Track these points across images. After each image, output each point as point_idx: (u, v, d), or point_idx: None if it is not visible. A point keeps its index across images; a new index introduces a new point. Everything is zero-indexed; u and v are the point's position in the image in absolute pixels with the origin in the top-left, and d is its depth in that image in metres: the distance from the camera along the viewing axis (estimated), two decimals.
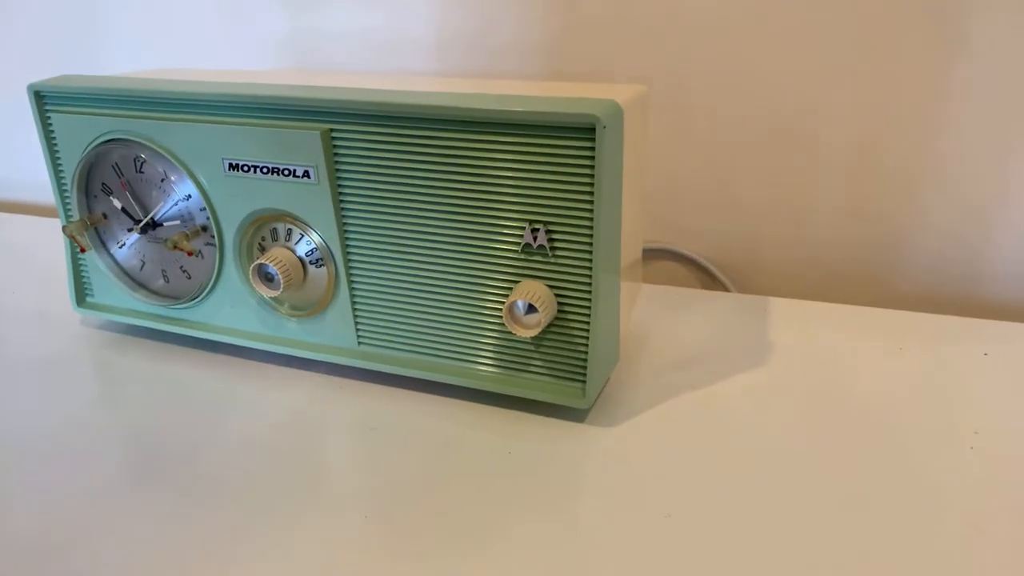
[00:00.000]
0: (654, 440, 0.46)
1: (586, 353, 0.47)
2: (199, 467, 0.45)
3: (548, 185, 0.44)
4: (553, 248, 0.45)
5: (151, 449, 0.47)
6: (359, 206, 0.49)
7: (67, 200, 0.58)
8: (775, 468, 0.44)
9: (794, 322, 0.61)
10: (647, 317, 0.62)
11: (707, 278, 0.74)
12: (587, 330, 0.46)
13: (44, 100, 0.56)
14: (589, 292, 0.45)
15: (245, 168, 0.50)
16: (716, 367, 0.54)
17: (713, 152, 0.69)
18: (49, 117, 0.56)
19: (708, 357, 0.56)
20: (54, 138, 0.56)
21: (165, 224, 0.55)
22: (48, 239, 0.82)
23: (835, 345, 0.57)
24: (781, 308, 0.64)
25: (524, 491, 0.42)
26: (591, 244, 0.44)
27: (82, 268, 0.61)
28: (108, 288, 0.60)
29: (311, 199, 0.49)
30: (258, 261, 0.50)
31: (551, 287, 0.46)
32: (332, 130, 0.48)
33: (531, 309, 0.45)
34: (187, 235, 0.53)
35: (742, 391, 0.51)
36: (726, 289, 0.72)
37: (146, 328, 0.61)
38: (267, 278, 0.51)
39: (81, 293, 0.61)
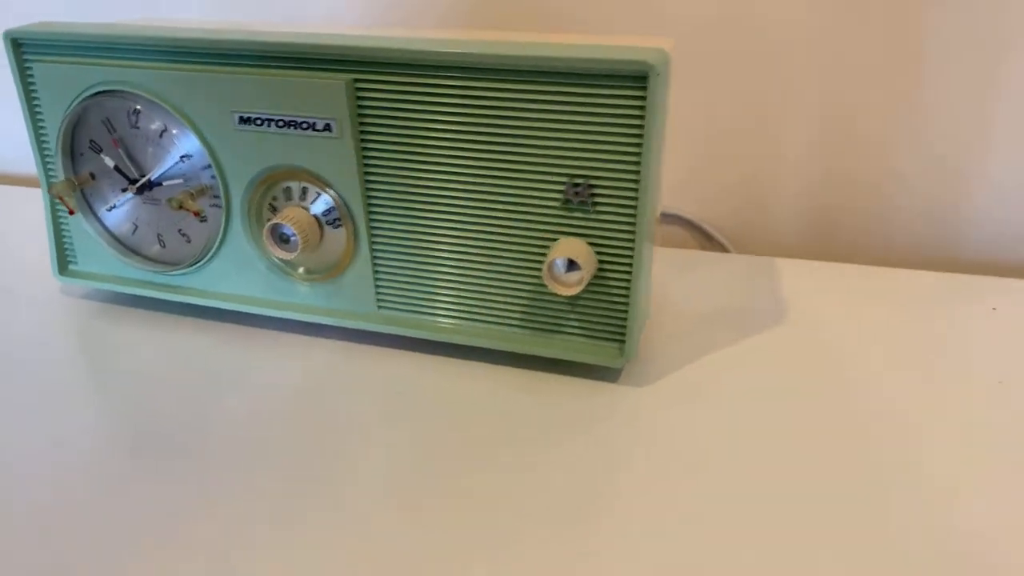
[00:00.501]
0: (689, 397, 0.46)
1: (625, 311, 0.46)
2: (215, 443, 0.42)
3: (592, 137, 0.42)
4: (595, 203, 0.44)
5: (162, 423, 0.44)
6: (384, 161, 0.46)
7: (48, 160, 0.54)
8: (812, 423, 0.44)
9: (801, 281, 0.61)
10: (657, 277, 0.61)
11: (704, 239, 0.74)
12: (627, 288, 0.45)
13: (23, 48, 0.51)
14: (631, 249, 0.44)
15: (258, 122, 0.47)
16: (735, 326, 0.54)
17: (699, 118, 0.69)
18: (29, 67, 0.51)
19: (725, 316, 0.56)
20: (35, 91, 0.52)
21: (164, 184, 0.51)
22: (11, 207, 0.76)
23: (845, 302, 0.58)
24: (785, 268, 0.64)
25: (567, 455, 0.41)
26: (635, 199, 0.43)
27: (64, 233, 0.56)
28: (94, 254, 0.56)
29: (332, 155, 0.47)
30: (273, 221, 0.47)
31: (591, 244, 0.45)
32: (356, 80, 0.45)
33: (572, 266, 0.43)
34: (191, 194, 0.49)
35: (765, 349, 0.51)
36: (725, 250, 0.72)
37: (135, 297, 0.57)
38: (282, 239, 0.48)
39: (63, 261, 0.57)
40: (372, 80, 0.45)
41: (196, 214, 0.50)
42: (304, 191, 0.49)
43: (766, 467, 0.40)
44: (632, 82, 0.41)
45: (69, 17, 0.79)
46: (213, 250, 0.52)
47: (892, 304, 0.57)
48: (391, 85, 0.45)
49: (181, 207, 0.48)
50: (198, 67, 0.47)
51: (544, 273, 0.44)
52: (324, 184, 0.48)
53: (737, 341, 0.52)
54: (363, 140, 0.46)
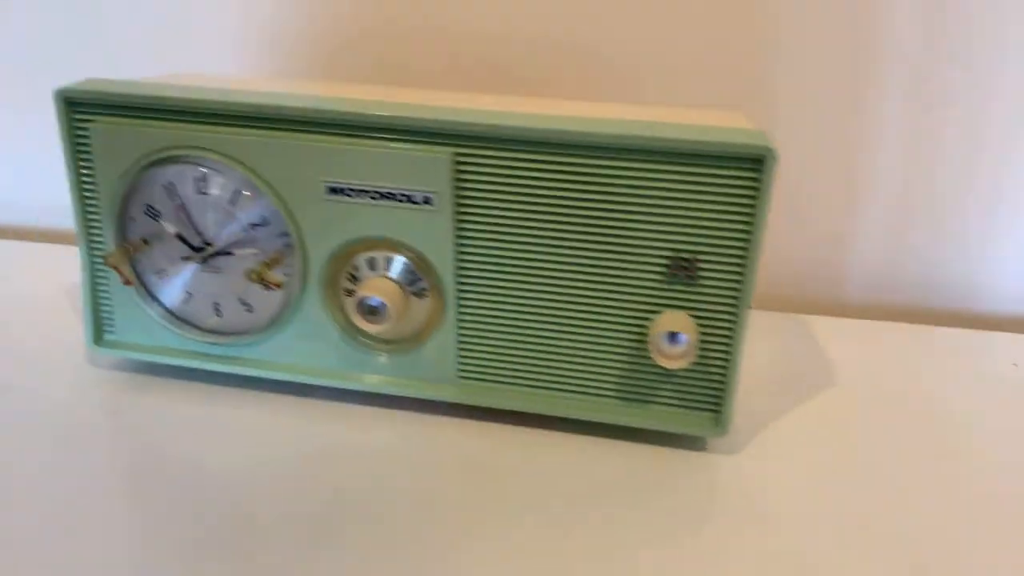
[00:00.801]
0: (780, 463, 0.47)
1: (723, 381, 0.47)
2: (299, 528, 0.40)
3: (701, 214, 0.44)
4: (699, 276, 0.45)
5: (245, 506, 0.41)
6: (480, 232, 0.46)
7: (93, 224, 0.50)
8: (909, 478, 0.46)
9: (837, 339, 0.64)
10: None
11: None
12: (726, 359, 0.46)
13: (76, 108, 0.48)
14: (733, 321, 0.45)
15: (351, 192, 0.46)
16: (794, 386, 0.56)
17: None
18: (83, 128, 0.48)
19: (780, 376, 0.58)
20: (86, 152, 0.49)
21: (235, 252, 0.48)
22: (26, 265, 0.70)
23: (891, 359, 0.61)
24: (808, 324, 0.67)
25: (660, 526, 0.42)
26: (742, 273, 0.44)
27: (103, 300, 0.52)
28: (137, 323, 0.52)
29: (427, 226, 0.46)
30: (363, 294, 0.46)
31: (693, 315, 0.46)
32: (458, 154, 0.44)
33: (681, 340, 0.44)
34: (268, 264, 0.47)
35: (838, 408, 0.54)
36: None
37: (171, 367, 0.53)
38: (370, 311, 0.47)
39: (99, 329, 0.53)
40: (475, 154, 0.44)
41: (278, 285, 0.47)
42: (388, 261, 0.47)
43: (868, 536, 0.42)
44: (749, 164, 0.42)
45: (93, 69, 0.74)
46: (283, 320, 0.49)
47: (928, 355, 0.61)
48: (493, 159, 0.44)
49: (260, 279, 0.46)
50: (285, 134, 0.46)
51: (651, 346, 0.45)
52: (414, 254, 0.47)
53: (804, 401, 0.54)
54: (460, 211, 0.46)
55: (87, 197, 0.50)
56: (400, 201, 0.45)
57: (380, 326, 0.47)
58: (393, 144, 0.45)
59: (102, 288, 0.52)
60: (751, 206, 0.43)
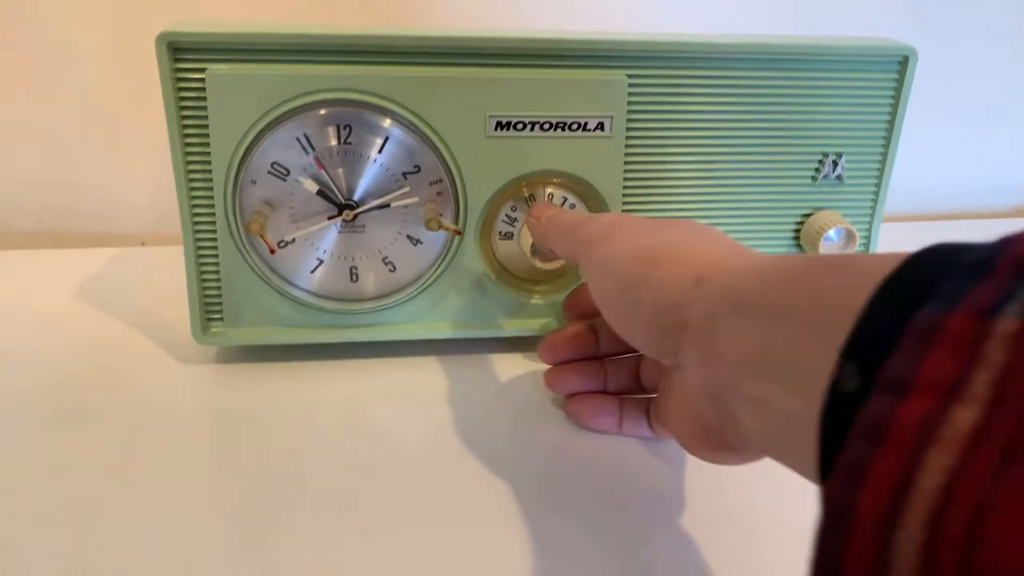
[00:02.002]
0: None
1: None
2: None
3: (846, 116, 0.47)
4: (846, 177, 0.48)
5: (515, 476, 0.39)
6: (646, 157, 0.46)
7: (197, 192, 0.43)
8: None
9: None
10: None
11: None
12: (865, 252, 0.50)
13: (184, 55, 0.41)
14: (871, 218, 0.49)
15: (519, 126, 0.43)
16: None
17: None
18: (194, 78, 0.41)
19: None
20: (194, 107, 0.41)
21: (389, 206, 0.44)
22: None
23: None
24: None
25: None
26: (880, 172, 0.48)
27: (208, 286, 0.45)
28: (250, 304, 0.46)
29: (598, 154, 0.45)
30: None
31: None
32: (631, 75, 0.44)
33: (849, 236, 0.48)
34: (440, 213, 0.44)
35: None
36: None
37: (275, 350, 0.47)
38: (546, 253, 0.45)
39: (205, 320, 0.46)
40: (647, 75, 0.44)
41: (459, 233, 0.44)
42: (549, 198, 0.46)
43: None
44: (896, 64, 0.46)
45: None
46: (435, 274, 0.46)
47: None
48: (663, 79, 0.45)
49: (440, 227, 0.43)
50: (446, 68, 0.42)
51: (820, 246, 0.47)
52: (580, 185, 0.46)
53: None
54: (629, 136, 0.45)
55: (191, 162, 0.43)
56: (572, 130, 0.44)
57: (557, 263, 0.45)
58: (567, 71, 0.43)
59: (210, 272, 0.45)
60: (893, 105, 0.47)
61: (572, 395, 0.41)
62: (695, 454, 0.31)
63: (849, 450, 0.17)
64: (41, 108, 0.64)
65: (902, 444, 0.16)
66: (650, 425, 0.40)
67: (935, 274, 0.18)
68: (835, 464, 0.17)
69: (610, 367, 0.41)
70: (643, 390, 0.41)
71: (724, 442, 0.29)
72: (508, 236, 0.46)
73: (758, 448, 0.26)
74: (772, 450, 0.25)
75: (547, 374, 0.41)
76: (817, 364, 0.20)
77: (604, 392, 0.41)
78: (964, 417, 0.15)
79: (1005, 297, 0.16)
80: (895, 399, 0.16)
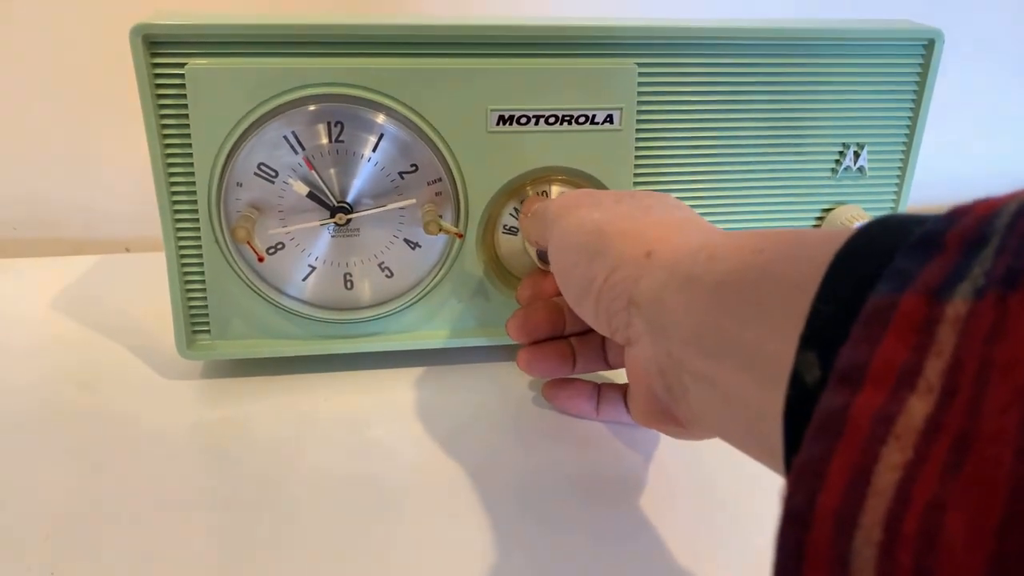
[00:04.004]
0: None
1: None
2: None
3: (868, 104, 0.44)
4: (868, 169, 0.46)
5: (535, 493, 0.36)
6: (657, 150, 0.43)
7: (178, 198, 0.40)
8: None
9: None
10: None
11: None
12: None
13: (160, 48, 0.38)
14: (894, 211, 0.47)
15: (523, 120, 0.41)
16: None
17: None
18: (172, 73, 0.38)
19: None
20: (174, 105, 0.38)
21: (386, 207, 0.41)
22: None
23: None
24: None
25: None
26: (903, 163, 0.46)
27: (193, 297, 0.42)
28: (238, 315, 0.43)
29: (607, 148, 0.42)
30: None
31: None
32: (641, 63, 0.41)
33: None
34: (439, 214, 0.41)
35: None
36: None
37: (267, 363, 0.44)
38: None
39: (190, 333, 0.43)
40: (656, 63, 0.42)
41: (459, 235, 0.41)
42: (544, 195, 0.43)
43: None
44: (921, 48, 0.43)
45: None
46: (435, 280, 0.43)
47: None
48: (673, 67, 0.42)
49: (441, 229, 0.40)
50: (444, 60, 0.40)
51: None
52: (588, 182, 0.43)
53: None
54: (640, 129, 0.43)
55: (172, 164, 0.40)
56: (579, 124, 0.41)
57: None
58: (573, 60, 0.40)
59: (194, 283, 0.42)
60: (917, 91, 0.44)
61: (551, 380, 0.41)
62: (646, 425, 0.30)
63: (806, 449, 0.16)
64: (13, 107, 0.61)
65: (858, 440, 0.15)
66: (627, 409, 0.38)
67: (884, 250, 0.18)
68: (792, 464, 0.17)
69: (577, 346, 0.40)
70: (610, 367, 0.40)
71: (676, 418, 0.28)
72: (513, 236, 0.44)
73: (709, 427, 0.26)
74: (726, 433, 0.24)
75: (520, 356, 0.40)
76: (766, 345, 0.20)
77: (574, 371, 0.40)
78: (917, 409, 0.15)
79: (956, 275, 0.16)
80: (851, 391, 0.16)
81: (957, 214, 0.17)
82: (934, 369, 0.15)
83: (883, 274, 0.17)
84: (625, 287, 0.29)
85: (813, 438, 0.16)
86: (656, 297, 0.27)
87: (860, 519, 0.14)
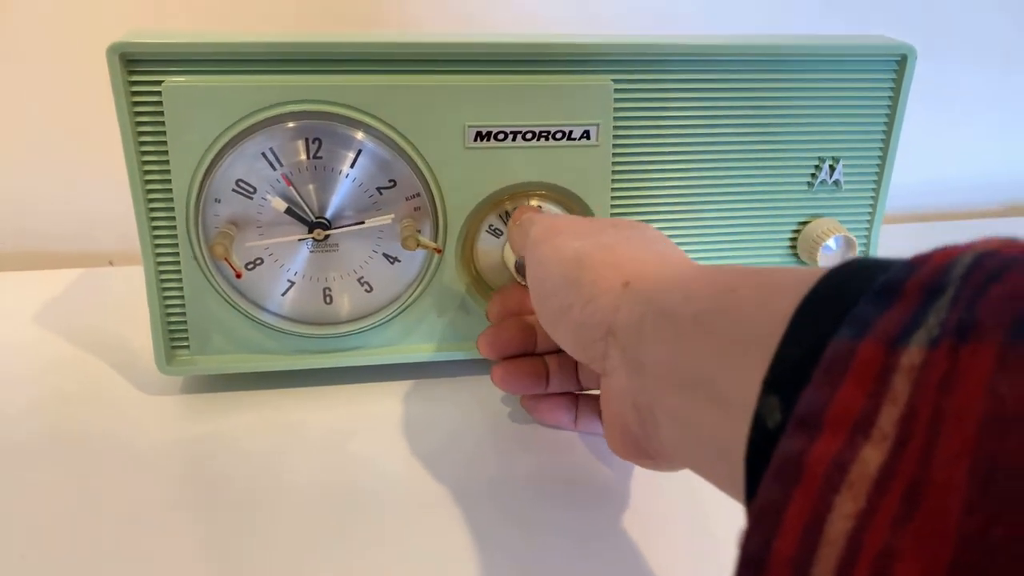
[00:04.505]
0: None
1: None
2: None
3: (842, 119, 0.45)
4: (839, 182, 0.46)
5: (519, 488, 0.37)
6: (634, 165, 0.44)
7: (157, 215, 0.40)
8: None
9: None
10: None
11: None
12: None
13: (138, 66, 0.38)
14: (869, 224, 0.47)
15: (500, 136, 0.41)
16: None
17: None
18: (148, 91, 0.38)
19: None
20: (151, 122, 0.39)
21: (365, 222, 0.41)
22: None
23: None
24: None
25: None
26: (878, 177, 0.46)
27: (172, 312, 0.42)
28: (217, 330, 0.43)
29: (584, 164, 0.42)
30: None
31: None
32: (617, 80, 0.42)
33: (848, 244, 0.45)
34: (418, 229, 0.41)
35: None
36: None
37: (248, 378, 0.44)
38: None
39: (170, 349, 0.43)
40: (632, 79, 0.42)
41: (438, 251, 0.41)
42: (538, 209, 0.43)
43: None
44: (893, 63, 0.44)
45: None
46: (415, 294, 0.43)
47: None
48: (650, 83, 0.42)
49: (419, 245, 0.40)
50: (421, 76, 0.40)
51: (819, 255, 0.45)
52: (565, 197, 0.43)
53: None
54: (616, 144, 0.43)
55: (150, 181, 0.40)
56: (556, 140, 0.42)
57: None
58: (549, 76, 0.41)
59: (173, 299, 0.42)
60: (891, 106, 0.45)
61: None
62: (622, 457, 0.31)
63: (763, 492, 0.16)
64: None
65: (813, 488, 0.15)
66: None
67: (849, 295, 0.18)
68: (749, 508, 0.17)
69: (551, 364, 0.40)
70: (582, 388, 0.41)
71: (646, 450, 0.28)
72: (491, 252, 0.44)
73: (680, 461, 0.26)
74: (696, 467, 0.25)
75: (494, 372, 0.40)
76: (734, 384, 0.21)
77: (547, 389, 0.40)
78: (871, 457, 0.15)
79: (912, 323, 0.16)
80: (808, 437, 0.16)
81: (917, 262, 0.17)
82: (889, 417, 0.15)
83: (844, 320, 0.17)
84: (603, 317, 0.29)
85: (771, 482, 0.16)
86: (634, 330, 0.27)
87: (813, 569, 0.15)
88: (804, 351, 0.18)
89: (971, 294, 0.16)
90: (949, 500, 0.13)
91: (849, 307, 0.17)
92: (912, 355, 0.16)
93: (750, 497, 0.19)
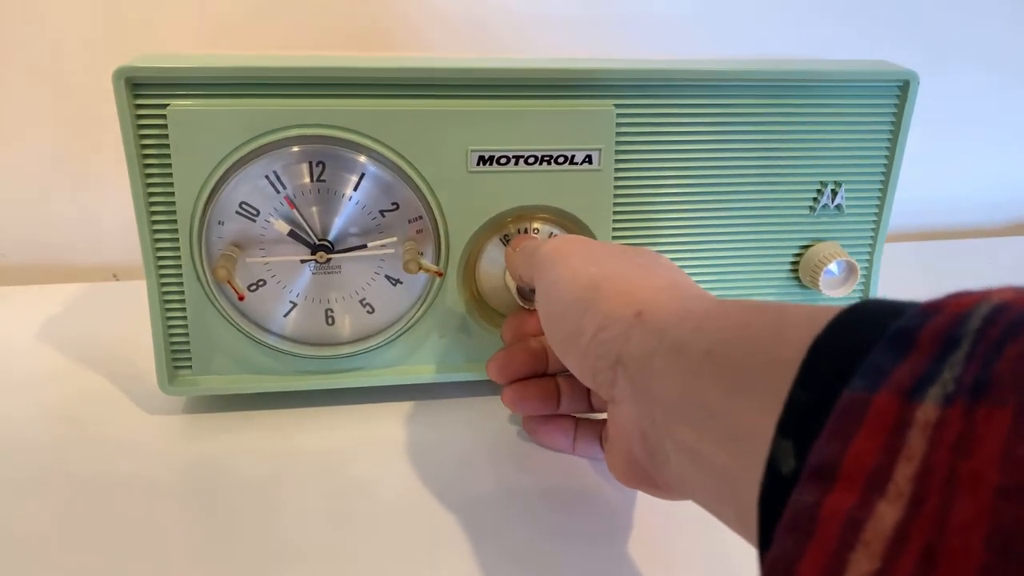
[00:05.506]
0: None
1: None
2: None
3: (845, 144, 0.45)
4: (842, 206, 0.46)
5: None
6: (636, 190, 0.44)
7: (160, 235, 0.41)
8: None
9: None
10: None
11: None
12: (864, 283, 0.48)
13: (143, 90, 0.38)
14: (871, 248, 0.47)
15: (503, 160, 0.41)
16: None
17: None
18: (153, 115, 0.38)
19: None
20: (155, 145, 0.39)
21: (367, 245, 0.42)
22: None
23: None
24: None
25: None
26: (880, 201, 0.46)
27: (175, 333, 0.43)
28: (220, 351, 0.43)
29: (586, 188, 0.43)
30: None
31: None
32: (619, 105, 0.42)
33: (850, 270, 0.45)
34: (420, 252, 0.41)
35: None
36: None
37: (246, 399, 0.45)
38: (529, 295, 0.42)
39: (172, 369, 0.43)
40: (634, 104, 0.42)
41: (439, 274, 0.41)
42: (535, 231, 0.44)
43: None
44: (896, 89, 0.44)
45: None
46: (417, 316, 0.43)
47: None
48: (652, 108, 0.42)
49: (421, 268, 0.40)
50: (425, 101, 0.40)
51: (819, 279, 0.45)
52: (568, 221, 0.43)
53: None
54: (618, 169, 0.43)
55: (154, 203, 0.40)
56: (558, 164, 0.42)
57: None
58: (552, 102, 0.41)
59: (176, 318, 0.42)
60: (893, 131, 0.45)
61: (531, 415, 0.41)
62: (623, 483, 0.31)
63: (778, 544, 0.16)
64: (2, 135, 0.61)
65: (828, 544, 0.15)
66: (602, 447, 0.39)
67: (862, 340, 0.18)
68: (764, 558, 0.17)
69: (563, 385, 0.40)
70: (594, 410, 0.41)
71: (653, 480, 0.28)
72: (493, 275, 0.44)
73: (689, 495, 0.26)
74: (704, 503, 0.25)
75: (505, 393, 0.40)
76: (746, 423, 0.21)
77: (558, 410, 0.40)
78: (887, 515, 0.15)
79: (927, 377, 0.16)
80: (822, 489, 0.16)
81: (931, 310, 0.17)
82: (904, 474, 0.15)
83: (858, 368, 0.17)
84: (614, 345, 0.29)
85: (785, 534, 0.16)
86: (645, 361, 0.27)
87: None
88: (817, 395, 0.18)
89: (986, 351, 0.15)
90: (965, 567, 0.13)
91: (861, 353, 0.17)
92: (927, 411, 0.15)
93: (763, 543, 0.19)
